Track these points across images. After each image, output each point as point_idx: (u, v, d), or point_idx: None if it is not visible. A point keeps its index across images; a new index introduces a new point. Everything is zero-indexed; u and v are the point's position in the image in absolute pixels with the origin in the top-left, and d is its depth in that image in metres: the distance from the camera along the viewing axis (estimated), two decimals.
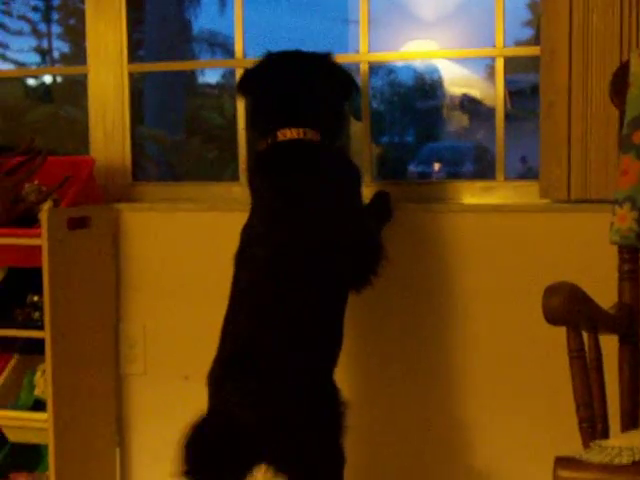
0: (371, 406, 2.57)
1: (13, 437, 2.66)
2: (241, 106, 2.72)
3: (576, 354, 1.74)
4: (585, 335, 1.78)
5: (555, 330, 1.75)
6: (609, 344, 1.93)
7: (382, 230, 2.35)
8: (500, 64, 2.54)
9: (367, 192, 2.44)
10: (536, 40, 2.48)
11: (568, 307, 1.70)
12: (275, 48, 2.33)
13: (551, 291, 1.70)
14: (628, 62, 2.08)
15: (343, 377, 2.17)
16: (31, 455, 2.75)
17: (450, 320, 2.52)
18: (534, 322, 1.89)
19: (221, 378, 2.07)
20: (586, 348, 1.77)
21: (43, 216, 2.44)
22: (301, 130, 2.20)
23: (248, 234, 2.17)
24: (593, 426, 1.74)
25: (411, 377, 2.55)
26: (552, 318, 1.70)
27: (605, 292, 1.96)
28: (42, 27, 5.28)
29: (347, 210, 2.18)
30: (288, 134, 2.20)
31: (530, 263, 2.43)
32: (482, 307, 2.48)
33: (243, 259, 2.16)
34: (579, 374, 1.74)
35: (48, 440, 2.50)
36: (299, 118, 2.21)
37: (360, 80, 2.63)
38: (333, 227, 2.12)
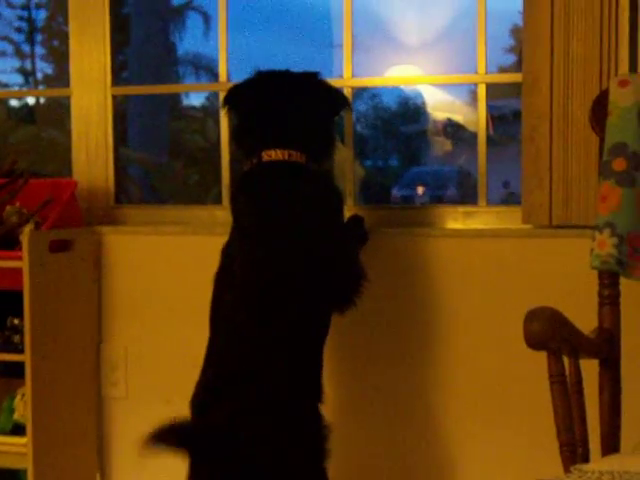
0: (354, 428, 2.56)
1: None
2: (225, 129, 2.73)
3: (557, 379, 1.75)
4: (566, 359, 1.78)
5: (536, 354, 1.75)
6: (589, 369, 1.93)
7: (359, 253, 2.34)
8: (482, 90, 2.55)
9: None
10: (518, 66, 2.50)
11: (549, 332, 1.70)
12: (258, 68, 2.34)
13: (532, 316, 1.71)
14: (607, 90, 2.10)
15: (325, 399, 2.16)
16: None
17: (432, 344, 2.52)
18: (515, 347, 1.89)
19: (204, 403, 2.07)
20: (567, 373, 1.77)
21: (24, 239, 2.43)
22: (286, 152, 2.20)
23: (228, 254, 2.17)
24: (574, 450, 1.75)
25: (393, 399, 2.55)
26: (533, 343, 1.70)
27: (586, 317, 1.97)
28: (26, 48, 5.28)
29: (328, 232, 2.18)
30: (273, 155, 2.20)
31: (512, 288, 2.43)
32: (464, 332, 2.49)
33: (223, 280, 2.15)
34: (560, 398, 1.75)
35: (27, 465, 2.48)
36: (285, 140, 2.21)
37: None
38: (314, 249, 2.12)
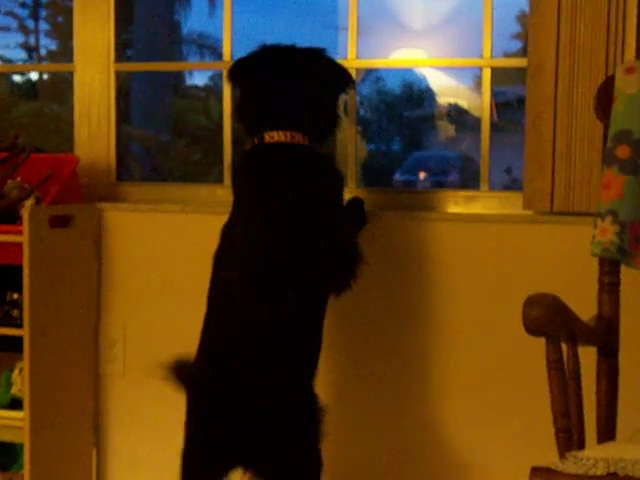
0: (349, 412, 2.56)
1: None
2: (227, 109, 2.72)
3: (555, 365, 1.75)
4: (564, 346, 1.79)
5: (535, 340, 1.75)
6: (587, 356, 1.93)
7: (358, 235, 2.34)
8: (487, 74, 2.55)
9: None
10: (524, 52, 2.49)
11: (548, 318, 1.70)
12: (264, 43, 2.31)
13: (531, 302, 1.71)
14: (613, 77, 2.09)
15: (322, 382, 2.17)
16: (6, 454, 2.73)
17: (431, 328, 2.52)
18: (514, 332, 1.89)
19: (199, 383, 2.07)
20: (565, 359, 1.77)
21: (25, 213, 2.43)
22: (288, 133, 2.19)
23: (228, 233, 2.17)
24: (569, 437, 1.75)
25: (390, 384, 2.55)
26: (532, 329, 1.70)
27: (585, 304, 1.97)
28: (30, 24, 5.26)
29: (327, 215, 2.18)
30: (275, 136, 2.19)
31: (511, 273, 2.43)
32: (462, 316, 2.49)
33: (221, 260, 2.15)
34: (557, 385, 1.75)
35: (24, 439, 2.49)
36: (287, 121, 2.20)
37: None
38: (312, 230, 2.12)
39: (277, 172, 2.18)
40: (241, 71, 2.31)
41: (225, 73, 2.36)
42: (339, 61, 2.36)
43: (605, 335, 1.99)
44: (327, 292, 2.18)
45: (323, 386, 2.17)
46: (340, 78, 2.31)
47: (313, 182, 2.18)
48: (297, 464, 2.07)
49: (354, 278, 2.18)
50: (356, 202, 2.46)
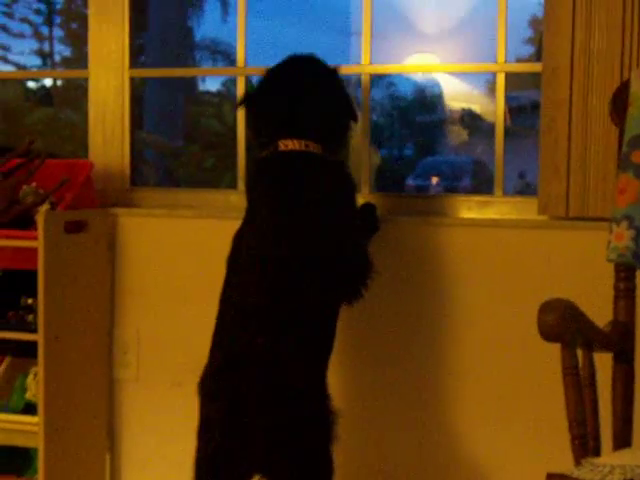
0: (362, 417, 2.56)
1: (3, 440, 2.65)
2: (241, 115, 2.73)
3: (570, 371, 1.74)
4: (579, 352, 1.78)
5: (550, 346, 1.75)
6: (603, 362, 1.93)
7: (370, 242, 2.34)
8: (501, 80, 2.54)
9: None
10: (537, 57, 2.49)
11: (563, 324, 1.69)
12: (277, 58, 2.32)
13: (547, 308, 1.70)
14: (628, 81, 2.08)
15: (335, 387, 2.16)
16: (20, 458, 2.74)
17: (446, 334, 2.51)
18: (529, 338, 1.89)
19: (211, 388, 2.07)
20: (580, 365, 1.76)
21: (40, 218, 2.44)
22: (303, 142, 2.20)
23: (240, 241, 2.18)
24: (585, 443, 1.74)
25: (404, 389, 2.55)
26: (547, 335, 1.70)
27: (601, 310, 1.96)
28: (44, 30, 5.28)
29: (339, 223, 2.17)
30: (290, 145, 2.20)
31: (526, 279, 2.43)
32: (477, 322, 2.48)
33: (234, 266, 2.16)
34: (572, 391, 1.74)
35: (38, 444, 2.49)
36: (302, 130, 2.21)
37: (361, 91, 2.64)
38: (324, 239, 2.12)
39: (291, 180, 2.19)
40: (252, 99, 2.32)
41: (238, 84, 2.37)
42: (351, 69, 2.36)
43: (621, 341, 1.99)
44: (339, 300, 2.18)
45: (336, 390, 2.16)
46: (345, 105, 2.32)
47: (326, 190, 2.18)
48: (310, 468, 2.07)
49: (365, 287, 2.18)
50: (368, 208, 2.46)
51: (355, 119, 2.35)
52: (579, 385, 1.75)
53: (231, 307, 2.13)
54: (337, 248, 2.13)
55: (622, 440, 1.95)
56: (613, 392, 1.98)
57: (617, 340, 1.98)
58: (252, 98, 2.34)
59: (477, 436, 2.49)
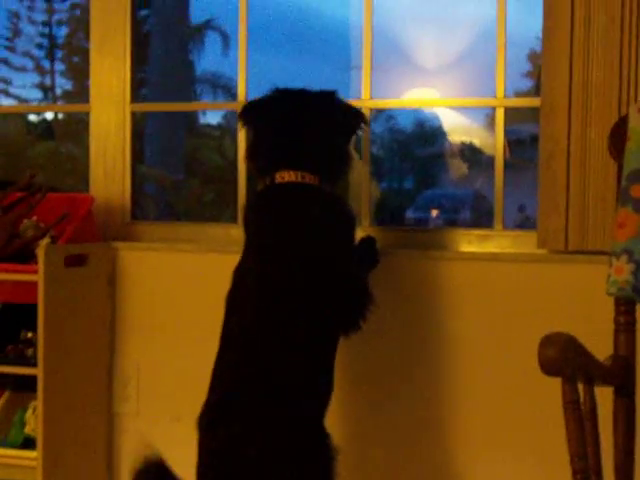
0: (361, 453, 2.55)
1: (2, 475, 2.63)
2: (242, 148, 2.74)
3: (571, 405, 1.73)
4: (580, 386, 1.77)
5: (550, 381, 1.74)
6: (604, 396, 1.92)
7: (369, 275, 2.34)
8: (500, 114, 2.56)
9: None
10: (536, 91, 2.51)
11: (564, 358, 1.69)
12: (276, 86, 2.34)
13: (547, 341, 1.70)
14: (627, 116, 2.09)
15: (334, 423, 2.15)
16: None
17: (444, 368, 2.51)
18: (529, 372, 1.88)
19: (210, 423, 2.06)
20: (581, 400, 1.76)
21: (40, 252, 2.44)
22: (299, 173, 2.20)
23: (239, 275, 2.18)
24: (587, 478, 1.73)
25: (404, 425, 2.54)
26: (548, 369, 1.69)
27: (601, 343, 1.96)
28: (46, 64, 5.32)
29: (337, 255, 2.18)
30: (286, 177, 2.21)
31: (526, 313, 2.42)
32: (477, 356, 2.48)
33: (233, 301, 2.16)
34: (574, 425, 1.73)
35: (37, 479, 2.48)
36: (298, 161, 2.22)
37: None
38: (322, 272, 2.12)
39: (287, 213, 2.19)
40: (252, 112, 2.33)
41: (238, 114, 2.38)
42: (351, 102, 2.38)
43: (622, 375, 1.98)
44: (337, 333, 2.17)
45: (335, 427, 2.15)
46: (352, 120, 2.33)
47: (323, 224, 2.18)
48: None
49: (363, 319, 2.18)
50: (368, 241, 2.46)
51: (364, 121, 2.35)
52: (580, 419, 1.74)
53: (230, 343, 2.13)
54: (334, 280, 2.13)
55: (624, 474, 1.94)
56: (614, 426, 1.97)
57: (618, 374, 1.97)
58: (249, 116, 2.35)
59: (479, 472, 2.48)
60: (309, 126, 2.25)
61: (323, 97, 2.30)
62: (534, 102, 2.47)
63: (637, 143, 2.04)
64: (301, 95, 2.30)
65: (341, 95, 2.33)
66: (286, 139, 2.24)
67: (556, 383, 1.75)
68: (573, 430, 1.73)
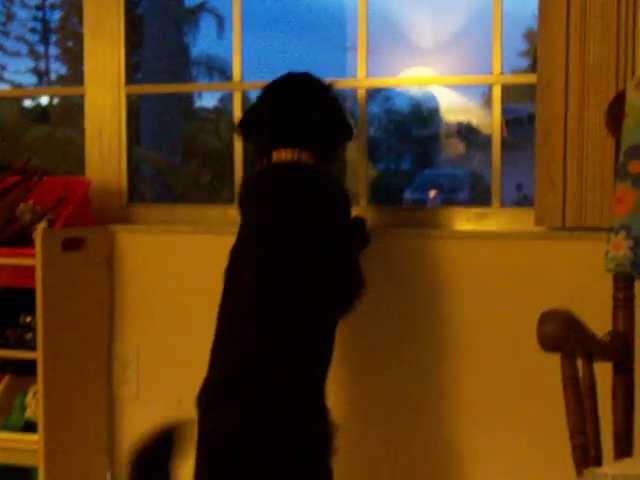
0: (361, 430, 2.55)
1: (2, 459, 2.64)
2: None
3: (570, 381, 1.74)
4: (579, 362, 1.78)
5: (549, 357, 1.74)
6: (603, 372, 1.92)
7: (360, 256, 2.33)
8: (497, 91, 2.55)
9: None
10: (532, 70, 2.50)
11: (563, 334, 1.69)
12: (273, 73, 2.34)
13: (546, 318, 1.70)
14: (624, 92, 2.09)
15: (333, 401, 2.15)
16: (20, 477, 2.72)
17: (444, 346, 2.51)
18: (529, 349, 1.88)
19: (209, 403, 2.07)
20: (580, 375, 1.76)
21: (37, 236, 2.43)
22: (296, 151, 2.20)
23: (236, 254, 2.18)
24: (586, 453, 1.74)
25: (402, 402, 2.54)
26: (547, 345, 1.69)
27: (600, 320, 1.96)
28: (40, 49, 5.30)
29: (331, 236, 2.18)
30: (283, 155, 2.21)
31: (524, 290, 2.42)
32: (475, 334, 2.48)
33: (230, 280, 2.16)
34: (573, 401, 1.74)
35: (38, 462, 2.48)
36: (294, 138, 2.22)
37: (358, 106, 2.65)
38: (316, 252, 2.12)
39: (282, 193, 2.20)
40: (249, 119, 2.34)
41: (235, 109, 2.38)
42: (347, 83, 2.37)
43: (620, 351, 1.98)
44: (334, 313, 2.18)
45: (334, 403, 2.16)
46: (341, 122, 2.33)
47: (318, 204, 2.19)
48: None
49: (357, 300, 2.18)
50: (357, 221, 2.46)
51: (350, 135, 2.36)
52: (579, 395, 1.74)
53: (228, 321, 2.13)
54: (328, 262, 2.13)
55: (623, 449, 1.94)
56: (613, 401, 1.98)
57: (617, 350, 1.98)
58: (249, 114, 2.35)
59: (478, 448, 2.48)
60: (305, 105, 2.25)
61: (319, 84, 2.31)
62: (531, 79, 2.46)
63: (635, 119, 2.04)
64: (296, 78, 2.31)
65: (336, 85, 2.33)
66: (281, 118, 2.24)
67: (555, 359, 1.75)
68: (572, 406, 1.74)
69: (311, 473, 2.06)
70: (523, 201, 4.07)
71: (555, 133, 2.32)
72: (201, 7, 5.51)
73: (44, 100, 4.95)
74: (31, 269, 2.45)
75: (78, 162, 2.96)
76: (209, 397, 2.07)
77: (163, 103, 4.84)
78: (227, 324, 2.13)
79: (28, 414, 2.63)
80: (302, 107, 2.26)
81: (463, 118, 4.81)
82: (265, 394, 2.02)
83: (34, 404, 2.59)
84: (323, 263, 2.12)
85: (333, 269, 2.14)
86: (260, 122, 2.30)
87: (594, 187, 2.30)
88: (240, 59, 2.75)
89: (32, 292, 2.46)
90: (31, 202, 2.62)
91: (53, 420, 2.51)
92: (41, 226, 2.47)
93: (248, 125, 2.36)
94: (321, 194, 2.21)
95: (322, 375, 2.13)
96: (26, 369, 2.60)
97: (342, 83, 2.58)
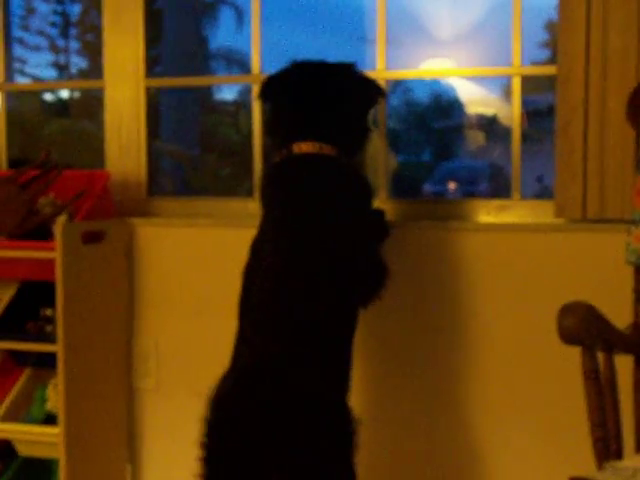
0: (382, 425, 2.55)
1: (24, 451, 2.66)
2: (257, 123, 2.73)
3: (591, 374, 1.73)
4: (600, 355, 1.77)
5: (570, 350, 1.73)
6: (624, 365, 1.91)
7: (381, 247, 2.33)
8: (517, 83, 2.53)
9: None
10: (553, 62, 2.48)
11: (583, 327, 1.69)
12: (294, 59, 2.32)
13: (566, 311, 1.69)
14: None
15: (354, 395, 2.15)
16: (41, 470, 2.74)
17: (464, 339, 2.50)
18: (549, 341, 1.88)
19: (232, 395, 2.06)
20: (601, 368, 1.75)
21: (58, 229, 2.44)
22: (317, 144, 2.20)
23: (257, 248, 2.18)
24: (607, 446, 1.73)
25: (425, 395, 2.54)
26: (567, 338, 1.69)
27: (620, 312, 1.95)
28: (60, 42, 5.31)
29: (353, 226, 2.17)
30: (304, 147, 2.20)
31: (545, 282, 2.41)
32: (496, 325, 2.47)
33: (251, 274, 2.16)
34: (593, 394, 1.73)
35: (59, 454, 2.50)
36: (316, 132, 2.21)
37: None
38: (339, 242, 2.12)
39: (305, 184, 2.19)
40: (271, 87, 2.32)
41: (255, 90, 2.37)
42: (368, 73, 2.37)
43: None
44: (356, 304, 2.17)
45: (356, 399, 2.15)
46: (369, 92, 2.31)
47: (340, 195, 2.18)
48: (331, 477, 2.06)
49: (381, 290, 2.18)
50: (377, 213, 2.45)
51: (381, 94, 2.34)
52: (600, 388, 1.73)
53: (249, 317, 2.13)
54: (351, 252, 2.13)
55: None
56: (635, 395, 1.97)
57: (638, 343, 1.96)
58: (267, 90, 2.34)
59: (498, 440, 2.48)
60: (327, 97, 2.24)
61: (341, 69, 2.29)
62: (551, 70, 2.45)
63: None
64: (319, 67, 2.29)
65: (358, 67, 2.32)
66: (304, 110, 2.24)
67: (576, 352, 1.74)
68: (593, 399, 1.73)
69: (333, 468, 2.06)
70: (543, 193, 4.04)
71: (575, 124, 2.31)
72: (220, 0, 5.51)
73: (64, 94, 4.96)
74: (51, 262, 2.46)
75: (98, 155, 2.97)
76: (231, 390, 2.07)
77: (182, 96, 4.84)
78: (249, 319, 2.13)
79: (49, 407, 2.65)
80: (323, 101, 2.24)
81: (483, 110, 4.78)
82: (285, 387, 2.01)
83: (54, 397, 2.60)
84: (346, 253, 2.12)
85: (356, 259, 2.14)
86: (280, 116, 2.29)
87: (615, 179, 2.28)
88: (259, 51, 2.75)
89: (52, 285, 2.47)
90: (51, 195, 2.63)
91: (73, 412, 2.52)
92: (61, 219, 2.48)
93: (269, 120, 2.35)
94: (343, 185, 2.21)
95: (344, 369, 2.12)
96: (46, 362, 2.61)
97: None
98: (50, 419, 2.62)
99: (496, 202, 2.59)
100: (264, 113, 2.50)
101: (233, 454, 2.03)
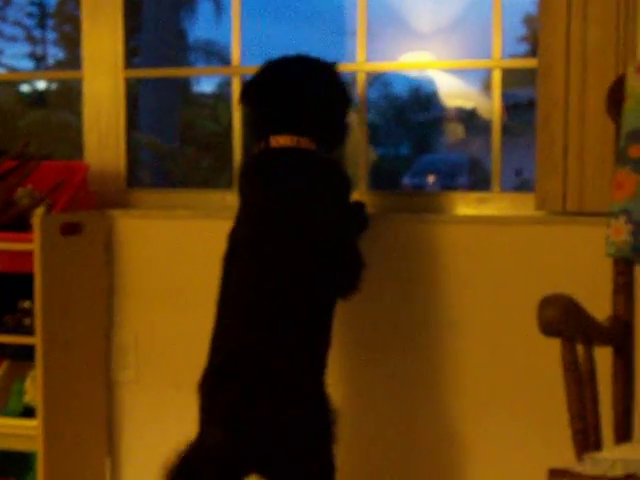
0: (361, 415, 2.56)
1: (1, 444, 2.63)
2: (237, 115, 2.72)
3: (570, 366, 1.74)
4: (579, 347, 1.78)
5: (549, 342, 1.74)
6: (603, 356, 1.92)
7: (359, 239, 2.33)
8: (497, 76, 2.54)
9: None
10: (532, 55, 2.48)
11: (563, 319, 1.69)
12: (271, 57, 2.32)
13: (546, 303, 1.70)
14: (624, 76, 2.08)
15: (333, 386, 2.16)
16: (19, 463, 2.73)
17: (443, 331, 2.51)
18: (528, 334, 1.88)
19: (210, 388, 2.06)
20: (580, 360, 1.76)
21: (36, 221, 2.43)
22: (295, 137, 2.19)
23: (234, 238, 2.18)
24: (586, 438, 1.74)
25: (403, 387, 2.54)
26: (547, 329, 1.70)
27: (600, 304, 1.96)
28: (37, 33, 5.28)
29: (333, 220, 2.17)
30: (281, 141, 2.20)
31: (525, 275, 2.42)
32: (475, 318, 2.48)
33: (229, 263, 2.16)
34: (573, 386, 1.74)
35: (37, 447, 2.48)
36: (294, 126, 2.21)
37: (357, 90, 2.64)
38: (316, 233, 2.12)
39: (281, 176, 2.19)
40: (250, 92, 2.32)
41: (234, 84, 2.36)
42: (347, 67, 2.36)
43: (620, 335, 1.99)
44: (334, 295, 2.18)
45: (335, 390, 2.16)
46: (343, 97, 2.32)
47: (317, 186, 2.18)
48: (310, 467, 2.06)
49: (357, 281, 2.19)
50: (357, 205, 2.45)
51: (350, 105, 2.34)
52: (579, 380, 1.74)
53: (228, 306, 2.13)
54: (330, 244, 2.13)
55: (623, 434, 1.95)
56: (613, 386, 1.98)
57: (616, 334, 1.98)
58: (247, 93, 2.34)
59: (478, 432, 2.49)
60: (304, 90, 2.24)
61: (321, 65, 2.29)
62: (531, 63, 2.45)
63: (635, 103, 2.03)
64: (297, 63, 2.29)
65: (338, 63, 2.32)
66: (282, 105, 2.23)
67: (555, 344, 1.75)
68: (572, 390, 1.74)
69: (312, 458, 2.06)
70: (523, 186, 4.06)
71: (555, 118, 2.32)
72: None
73: (41, 85, 4.93)
74: (29, 254, 2.44)
75: (76, 147, 2.95)
76: (210, 382, 2.07)
77: (161, 88, 4.82)
78: (227, 309, 2.13)
79: (27, 399, 2.63)
80: (301, 93, 2.24)
81: (462, 103, 4.80)
82: (266, 376, 2.01)
83: (33, 389, 2.58)
84: (323, 245, 2.12)
85: (333, 251, 2.14)
86: (258, 108, 2.29)
87: (594, 172, 2.29)
88: (239, 43, 2.74)
89: (30, 277, 2.45)
90: (29, 187, 2.61)
91: (52, 405, 2.51)
92: (39, 211, 2.46)
93: (246, 110, 2.35)
94: (321, 177, 2.21)
95: (322, 358, 2.13)
96: (24, 354, 2.59)
97: (342, 67, 2.56)
98: (28, 412, 2.60)
99: (475, 194, 2.59)
100: (243, 109, 2.48)
101: (212, 449, 2.03)
